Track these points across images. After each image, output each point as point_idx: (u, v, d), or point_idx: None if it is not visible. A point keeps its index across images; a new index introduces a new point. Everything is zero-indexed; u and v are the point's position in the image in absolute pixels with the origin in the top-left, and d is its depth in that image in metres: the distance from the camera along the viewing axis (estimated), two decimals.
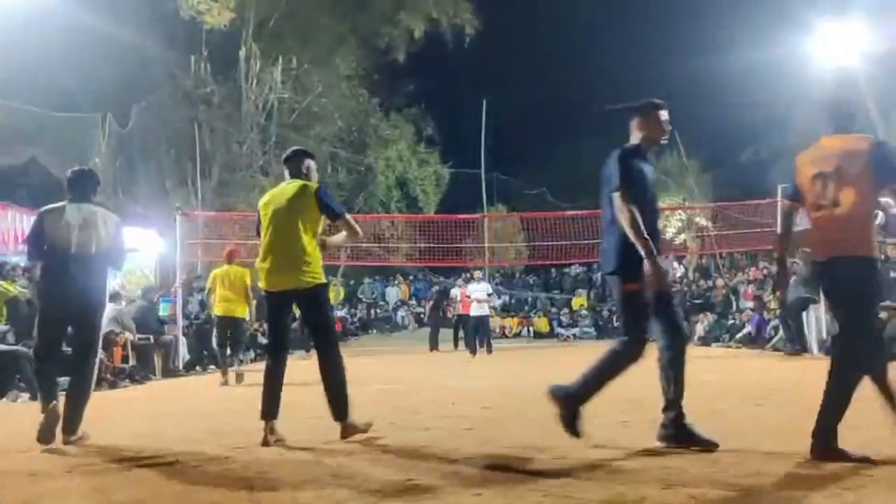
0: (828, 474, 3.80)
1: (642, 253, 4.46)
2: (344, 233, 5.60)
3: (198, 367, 14.29)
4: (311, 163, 5.70)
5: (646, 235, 4.49)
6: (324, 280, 5.43)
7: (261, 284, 5.45)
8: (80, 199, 5.83)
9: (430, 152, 33.71)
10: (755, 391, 6.83)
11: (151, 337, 12.85)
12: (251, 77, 23.77)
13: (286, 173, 5.68)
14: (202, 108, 23.00)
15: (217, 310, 11.46)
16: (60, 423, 5.41)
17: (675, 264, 28.88)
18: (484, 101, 31.55)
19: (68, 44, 18.81)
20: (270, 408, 5.28)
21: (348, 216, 5.54)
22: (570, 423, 4.59)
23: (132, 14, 21.06)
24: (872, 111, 20.63)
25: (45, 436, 5.31)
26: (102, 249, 5.72)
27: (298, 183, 5.48)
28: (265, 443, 5.13)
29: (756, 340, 16.98)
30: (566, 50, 37.89)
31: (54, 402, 5.44)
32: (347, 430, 5.02)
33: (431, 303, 23.34)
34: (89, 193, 5.95)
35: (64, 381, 5.83)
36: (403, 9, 27.78)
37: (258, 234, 5.61)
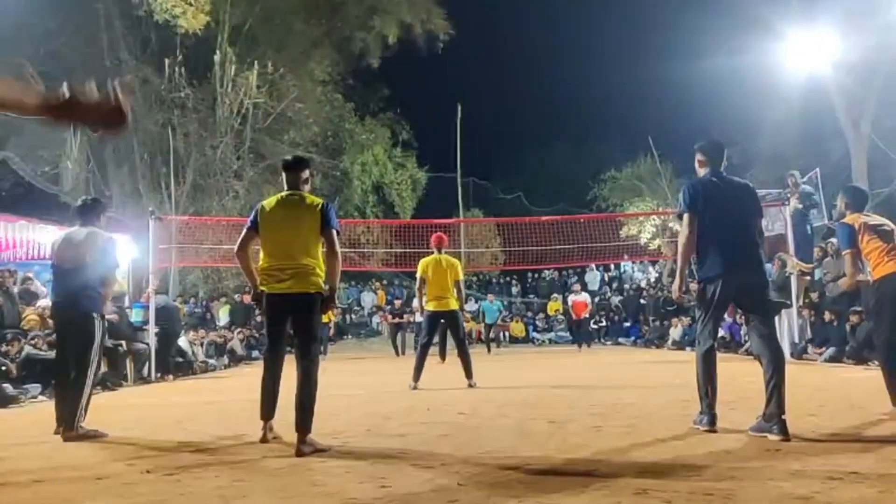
0: (802, 476, 3.83)
1: None
2: (334, 266, 5.58)
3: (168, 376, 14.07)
4: (308, 174, 5.85)
5: None
6: (323, 289, 5.49)
7: (263, 287, 5.50)
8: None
9: (406, 156, 33.78)
10: (727, 396, 6.87)
11: (123, 343, 12.70)
12: (226, 81, 23.69)
13: (285, 179, 5.74)
14: (176, 112, 22.90)
15: (429, 305, 10.10)
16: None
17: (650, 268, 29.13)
18: (458, 106, 31.63)
19: (39, 46, 18.64)
20: (268, 409, 5.52)
21: (335, 234, 5.58)
22: None
23: (105, 17, 20.93)
24: (843, 119, 20.90)
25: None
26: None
27: (309, 196, 5.64)
28: (263, 439, 5.45)
29: (729, 345, 17.09)
30: (540, 56, 38.21)
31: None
32: (305, 447, 4.99)
33: (389, 316, 23.36)
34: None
35: None
36: (377, 14, 27.86)
37: (247, 230, 5.65)
